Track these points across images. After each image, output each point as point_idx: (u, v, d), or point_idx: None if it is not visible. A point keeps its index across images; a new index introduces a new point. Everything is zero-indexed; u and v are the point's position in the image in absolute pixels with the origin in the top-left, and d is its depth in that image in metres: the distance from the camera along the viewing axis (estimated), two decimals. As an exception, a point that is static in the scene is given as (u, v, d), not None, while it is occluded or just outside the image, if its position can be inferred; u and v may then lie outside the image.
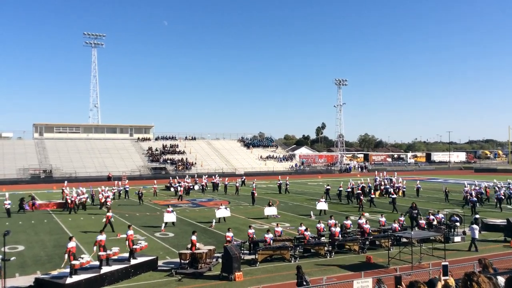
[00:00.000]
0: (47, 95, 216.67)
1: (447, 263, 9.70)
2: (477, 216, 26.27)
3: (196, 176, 56.99)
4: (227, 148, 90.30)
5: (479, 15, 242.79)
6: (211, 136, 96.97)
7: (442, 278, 8.01)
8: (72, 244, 16.50)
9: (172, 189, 49.66)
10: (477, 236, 21.53)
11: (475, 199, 33.90)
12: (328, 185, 42.09)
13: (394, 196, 36.49)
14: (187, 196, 44.82)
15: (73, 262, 15.81)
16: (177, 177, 51.00)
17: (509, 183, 44.13)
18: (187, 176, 54.30)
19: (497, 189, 38.98)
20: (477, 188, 39.58)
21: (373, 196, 37.79)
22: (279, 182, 48.07)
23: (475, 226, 21.86)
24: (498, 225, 25.90)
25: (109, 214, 26.92)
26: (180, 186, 44.12)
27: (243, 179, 53.98)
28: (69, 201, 34.86)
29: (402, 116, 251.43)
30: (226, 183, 48.61)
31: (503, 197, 35.61)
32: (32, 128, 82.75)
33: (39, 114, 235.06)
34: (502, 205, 35.58)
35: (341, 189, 42.07)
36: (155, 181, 48.95)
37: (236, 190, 46.89)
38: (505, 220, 25.10)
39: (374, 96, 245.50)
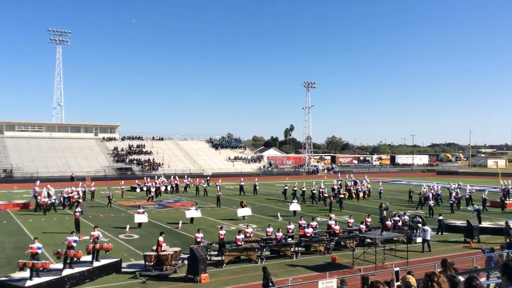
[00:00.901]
0: (8, 93, 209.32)
1: (398, 268, 9.92)
2: (440, 217, 27.09)
3: (163, 177, 56.13)
4: (195, 149, 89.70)
5: (442, 18, 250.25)
6: (179, 137, 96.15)
7: (395, 284, 8.21)
8: (34, 245, 15.97)
9: (138, 189, 49.01)
10: (428, 237, 22.08)
11: (432, 202, 34.40)
12: (286, 186, 45.11)
13: (342, 196, 38.77)
14: (157, 197, 44.07)
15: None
16: (147, 177, 49.89)
17: (459, 185, 45.47)
18: (156, 176, 53.39)
19: (458, 191, 40.06)
20: (433, 190, 40.66)
21: (326, 195, 38.95)
22: (241, 184, 48.04)
23: (426, 227, 22.57)
24: (459, 226, 26.70)
25: (77, 213, 26.46)
26: (152, 187, 43.62)
27: (207, 180, 53.15)
28: (41, 201, 34.12)
29: (368, 119, 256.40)
30: (197, 184, 48.01)
31: (454, 200, 36.48)
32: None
33: (0, 112, 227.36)
34: (462, 207, 37.12)
35: (295, 189, 42.86)
36: (122, 182, 47.97)
37: (204, 191, 46.54)
38: (465, 222, 25.89)
39: (342, 99, 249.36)
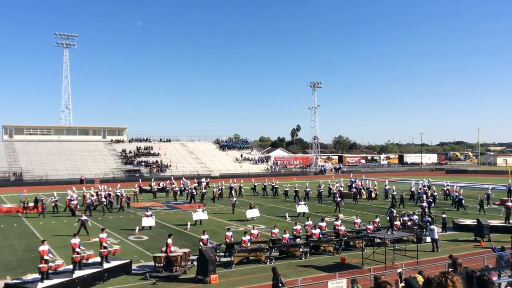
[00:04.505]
0: (17, 96, 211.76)
1: (400, 270, 9.91)
2: (444, 215, 26.97)
3: (172, 178, 55.92)
4: (202, 150, 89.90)
5: (448, 16, 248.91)
6: (186, 138, 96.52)
7: (400, 285, 8.21)
8: (43, 248, 16.05)
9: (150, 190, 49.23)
10: (436, 236, 21.98)
11: (430, 199, 33.56)
12: (255, 183, 48.95)
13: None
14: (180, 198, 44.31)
15: (40, 265, 15.42)
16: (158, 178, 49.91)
17: (429, 181, 46.71)
18: (172, 177, 53.14)
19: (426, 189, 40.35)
20: (424, 188, 41.34)
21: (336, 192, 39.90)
22: (233, 185, 46.62)
23: (432, 227, 22.46)
24: (469, 226, 26.53)
25: (83, 218, 26.45)
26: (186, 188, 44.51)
27: (207, 181, 51.93)
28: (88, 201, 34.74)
29: (375, 118, 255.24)
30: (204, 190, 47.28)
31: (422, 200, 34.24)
32: (1, 129, 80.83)
33: (9, 115, 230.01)
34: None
35: (297, 189, 43.40)
36: (136, 185, 47.65)
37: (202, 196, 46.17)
38: (475, 221, 25.75)
39: (348, 98, 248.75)
